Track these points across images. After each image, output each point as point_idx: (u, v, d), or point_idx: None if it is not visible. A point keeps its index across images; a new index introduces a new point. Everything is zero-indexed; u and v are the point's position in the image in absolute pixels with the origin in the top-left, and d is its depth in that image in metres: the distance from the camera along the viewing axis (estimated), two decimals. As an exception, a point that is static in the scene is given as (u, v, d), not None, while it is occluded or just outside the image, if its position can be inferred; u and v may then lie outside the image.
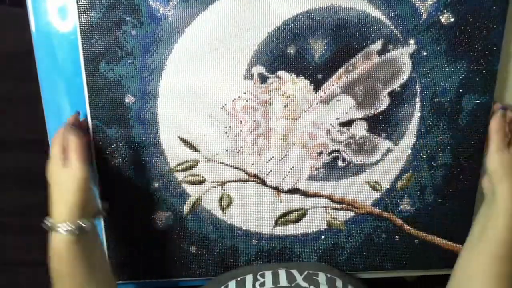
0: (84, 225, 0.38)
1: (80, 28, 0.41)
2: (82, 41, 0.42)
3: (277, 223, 0.50)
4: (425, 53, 0.45)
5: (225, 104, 0.45)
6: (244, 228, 0.50)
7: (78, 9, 0.40)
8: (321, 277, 0.46)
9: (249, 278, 0.46)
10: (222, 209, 0.49)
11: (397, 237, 0.52)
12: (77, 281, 0.38)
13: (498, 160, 0.43)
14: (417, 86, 0.46)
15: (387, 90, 0.46)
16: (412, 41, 0.44)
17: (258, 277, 0.46)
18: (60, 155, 0.38)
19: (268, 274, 0.46)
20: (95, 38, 0.41)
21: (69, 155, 0.38)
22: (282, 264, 0.50)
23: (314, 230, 0.51)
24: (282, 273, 0.46)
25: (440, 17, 0.44)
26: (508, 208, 0.41)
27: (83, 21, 0.41)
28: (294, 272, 0.47)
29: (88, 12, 0.41)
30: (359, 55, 0.45)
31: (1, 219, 0.73)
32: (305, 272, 0.47)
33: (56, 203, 0.38)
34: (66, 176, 0.38)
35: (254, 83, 0.45)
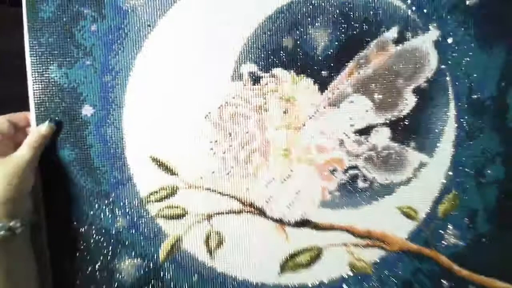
0: (12, 224, 0.34)
1: (28, 24, 0.37)
2: (29, 40, 0.37)
3: (283, 268, 0.41)
4: (451, 40, 0.40)
5: (209, 113, 0.39)
6: (240, 278, 0.41)
7: (26, 2, 0.37)
8: None
9: None
10: (210, 252, 0.41)
11: (445, 283, 0.42)
12: None
13: None
14: (448, 81, 0.41)
15: (411, 87, 0.41)
16: (434, 26, 0.40)
17: None
18: None
19: None
20: (45, 35, 0.37)
21: (24, 143, 0.36)
22: None
23: (334, 277, 0.42)
24: None
25: (465, -4, 0.39)
26: None
27: (31, 16, 0.37)
28: None
29: (38, 6, 0.37)
30: (372, 46, 0.40)
31: None
32: None
33: None
34: (2, 167, 0.34)
35: (245, 85, 0.40)
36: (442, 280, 0.42)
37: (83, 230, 0.39)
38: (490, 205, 0.41)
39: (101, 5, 0.37)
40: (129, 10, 0.37)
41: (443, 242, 0.41)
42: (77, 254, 0.39)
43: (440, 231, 0.41)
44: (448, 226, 0.41)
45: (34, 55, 0.37)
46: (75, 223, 0.39)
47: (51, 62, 0.37)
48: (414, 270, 0.42)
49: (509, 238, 0.42)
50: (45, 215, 0.39)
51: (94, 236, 0.39)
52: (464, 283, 0.42)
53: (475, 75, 0.40)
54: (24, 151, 0.36)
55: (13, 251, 0.35)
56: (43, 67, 0.37)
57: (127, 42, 0.37)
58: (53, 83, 0.37)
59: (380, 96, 0.39)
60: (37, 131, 0.37)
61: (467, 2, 0.39)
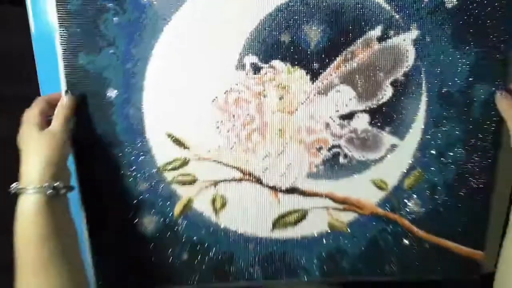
0: (57, 185, 0.36)
1: (58, 16, 0.39)
2: (60, 31, 0.40)
3: (275, 225, 0.47)
4: (429, 39, 0.42)
5: (216, 97, 0.43)
6: (239, 232, 0.47)
7: None
8: None
9: None
10: (216, 211, 0.46)
11: (405, 241, 0.48)
12: (45, 250, 0.36)
13: None
14: (422, 75, 0.43)
15: (389, 80, 0.44)
16: (414, 26, 0.42)
17: None
18: (35, 120, 0.38)
19: None
20: (73, 27, 0.39)
21: (54, 117, 0.39)
22: (282, 285, 0.48)
23: (315, 233, 0.48)
24: None
25: (444, 0, 0.41)
26: None
27: (61, 8, 0.39)
28: None
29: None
30: (358, 42, 0.42)
31: (1, 219, 0.72)
32: None
33: (27, 166, 0.37)
34: (43, 138, 0.38)
35: (247, 74, 0.43)
36: (403, 239, 0.48)
37: (111, 193, 0.44)
38: (448, 181, 0.46)
39: (122, 0, 0.39)
40: (147, 5, 0.39)
41: (406, 209, 0.47)
42: (108, 214, 0.45)
43: (405, 200, 0.47)
44: (412, 196, 0.46)
45: (65, 43, 0.39)
46: (104, 187, 0.44)
47: (80, 50, 0.40)
48: (380, 230, 0.47)
49: (461, 208, 0.47)
50: (79, 183, 0.44)
51: (121, 197, 0.44)
52: (421, 242, 0.48)
53: (446, 71, 0.43)
54: (55, 123, 0.39)
55: (58, 211, 0.37)
56: (73, 55, 0.40)
57: (145, 34, 0.40)
58: (81, 68, 0.40)
59: (363, 87, 0.43)
60: (60, 104, 0.40)
61: (446, 5, 0.41)
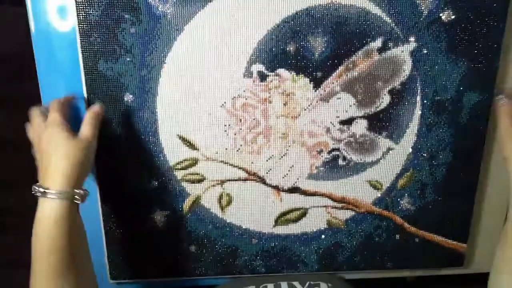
0: (81, 191, 0.37)
1: (79, 26, 0.41)
2: (80, 39, 0.41)
3: (277, 222, 0.50)
4: (425, 51, 0.45)
5: (225, 102, 0.45)
6: (243, 227, 0.50)
7: (76, 6, 0.40)
8: (323, 287, 0.46)
9: None
10: (222, 208, 0.49)
11: (397, 236, 0.52)
12: (64, 255, 0.36)
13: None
14: (417, 84, 0.46)
15: (387, 88, 0.46)
16: (412, 39, 0.44)
17: None
18: (63, 125, 0.38)
19: (271, 286, 0.47)
20: (93, 35, 0.41)
21: (84, 124, 0.39)
22: (283, 276, 0.50)
23: (314, 230, 0.51)
24: (284, 285, 0.46)
25: (441, 15, 0.44)
26: None
27: (81, 18, 0.41)
28: (296, 284, 0.47)
29: (87, 10, 0.41)
30: (359, 53, 0.44)
31: (1, 219, 0.73)
32: (307, 283, 0.47)
33: (54, 170, 0.36)
34: (75, 145, 0.37)
35: (254, 81, 0.45)
36: (396, 234, 0.51)
37: (126, 190, 0.46)
38: (437, 181, 0.49)
39: (138, 11, 0.41)
40: (161, 16, 0.41)
41: (399, 207, 0.50)
42: (122, 208, 0.47)
43: (398, 199, 0.50)
44: (404, 195, 0.50)
45: (85, 51, 0.41)
46: (120, 185, 0.46)
47: (99, 58, 0.42)
48: (375, 226, 0.51)
49: (447, 205, 0.50)
50: (98, 180, 0.46)
51: (134, 194, 0.47)
52: (412, 236, 0.51)
53: (440, 80, 0.45)
54: (86, 130, 0.39)
55: (77, 216, 0.38)
56: (93, 62, 0.42)
57: (159, 43, 0.42)
58: (101, 74, 0.42)
59: (362, 95, 0.45)
60: (92, 111, 0.41)
61: (443, 19, 0.43)
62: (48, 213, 0.35)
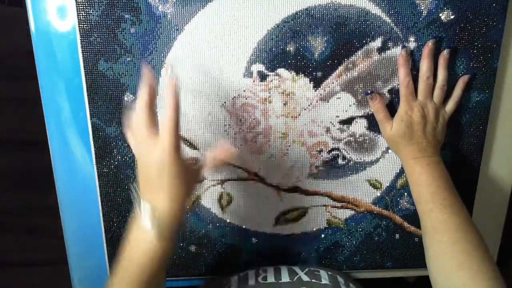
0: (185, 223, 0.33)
1: (79, 26, 0.41)
2: (81, 39, 0.41)
3: (277, 221, 0.50)
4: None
5: (225, 102, 0.45)
6: (244, 227, 0.50)
7: (77, 6, 0.40)
8: (323, 273, 0.46)
9: (251, 273, 0.46)
10: (222, 207, 0.49)
11: (397, 236, 0.52)
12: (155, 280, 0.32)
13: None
14: (417, 84, 0.46)
15: (387, 88, 0.46)
16: (412, 39, 0.44)
17: (260, 272, 0.46)
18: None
19: (270, 270, 0.47)
20: (94, 36, 0.41)
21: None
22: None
23: (314, 229, 0.51)
24: (284, 269, 0.47)
25: (440, 14, 0.44)
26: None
27: (81, 18, 0.41)
28: (296, 268, 0.47)
29: (87, 10, 0.41)
30: (359, 53, 0.44)
31: (1, 219, 0.73)
32: (307, 269, 0.47)
33: (167, 193, 0.31)
34: (186, 170, 0.32)
35: (254, 81, 0.45)
36: (396, 233, 0.51)
37: (127, 190, 0.46)
38: None
39: (138, 11, 0.41)
40: (161, 16, 0.41)
41: (398, 206, 0.50)
42: (122, 207, 0.47)
43: (398, 198, 0.50)
44: (404, 195, 0.50)
45: (86, 51, 0.41)
46: (120, 184, 0.46)
47: (99, 58, 0.42)
48: (375, 226, 0.51)
49: None
50: (98, 179, 0.46)
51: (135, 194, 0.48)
52: (411, 236, 0.51)
53: None
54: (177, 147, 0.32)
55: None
56: (93, 62, 0.42)
57: (159, 43, 0.42)
58: (101, 74, 0.42)
59: (362, 95, 0.46)
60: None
61: (443, 19, 0.44)
62: (146, 237, 0.32)
